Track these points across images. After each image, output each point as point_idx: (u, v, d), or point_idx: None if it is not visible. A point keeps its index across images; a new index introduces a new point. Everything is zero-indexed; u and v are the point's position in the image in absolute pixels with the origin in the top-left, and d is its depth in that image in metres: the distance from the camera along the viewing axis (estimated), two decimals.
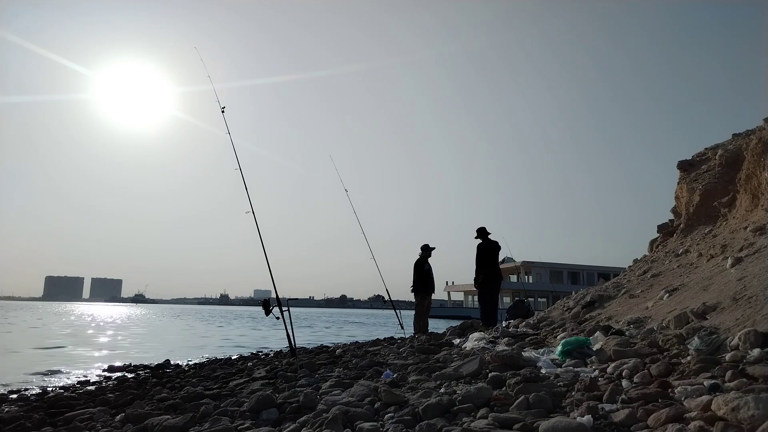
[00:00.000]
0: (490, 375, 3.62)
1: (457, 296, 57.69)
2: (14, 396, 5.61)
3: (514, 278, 48.34)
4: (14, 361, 9.38)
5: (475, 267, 8.73)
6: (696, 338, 3.49)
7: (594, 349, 4.15)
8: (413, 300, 9.93)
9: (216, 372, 6.40)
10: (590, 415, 2.44)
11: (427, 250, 9.74)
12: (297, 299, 8.96)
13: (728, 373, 2.75)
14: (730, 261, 5.50)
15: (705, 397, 2.37)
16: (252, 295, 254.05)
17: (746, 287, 4.32)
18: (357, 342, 9.57)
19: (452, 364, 4.24)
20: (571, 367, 3.79)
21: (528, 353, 4.43)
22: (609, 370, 3.41)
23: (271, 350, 9.85)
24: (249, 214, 7.03)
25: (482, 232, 8.85)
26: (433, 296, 10.20)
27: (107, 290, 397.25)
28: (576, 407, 2.66)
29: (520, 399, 2.83)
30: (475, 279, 8.79)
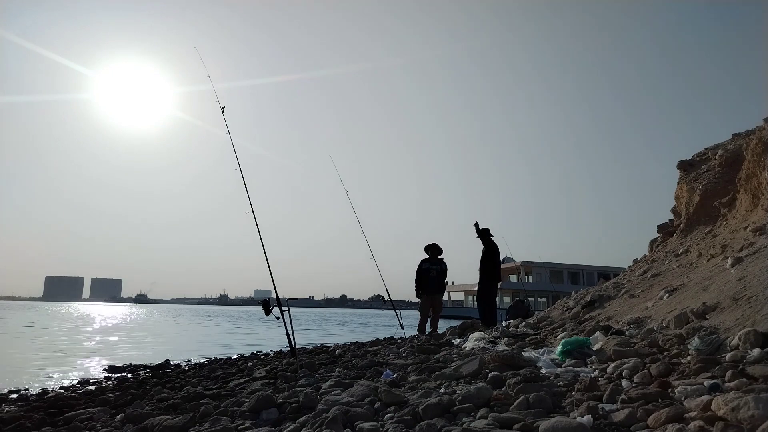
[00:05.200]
0: (490, 375, 3.62)
1: (457, 296, 57.67)
2: (14, 396, 5.61)
3: (514, 278, 48.29)
4: (14, 362, 9.37)
5: (484, 262, 8.83)
6: (696, 338, 3.49)
7: (594, 349, 4.15)
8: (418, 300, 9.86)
9: (216, 372, 6.40)
10: (590, 415, 2.44)
11: (427, 250, 9.68)
12: (297, 299, 8.94)
13: (728, 373, 2.74)
14: (730, 261, 5.50)
15: (705, 397, 2.37)
16: (252, 295, 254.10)
17: (746, 287, 4.32)
18: (357, 342, 9.57)
19: (452, 364, 4.24)
20: (571, 367, 3.79)
21: (528, 353, 4.43)
22: (609, 370, 3.40)
23: (271, 350, 9.85)
24: (249, 214, 7.03)
25: (487, 232, 8.93)
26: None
27: (107, 290, 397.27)
28: (576, 407, 2.66)
29: (520, 399, 2.82)
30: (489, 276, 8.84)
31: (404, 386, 3.79)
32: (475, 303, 9.48)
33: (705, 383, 2.66)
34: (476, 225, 9.07)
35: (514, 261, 38.62)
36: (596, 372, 3.52)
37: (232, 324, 26.69)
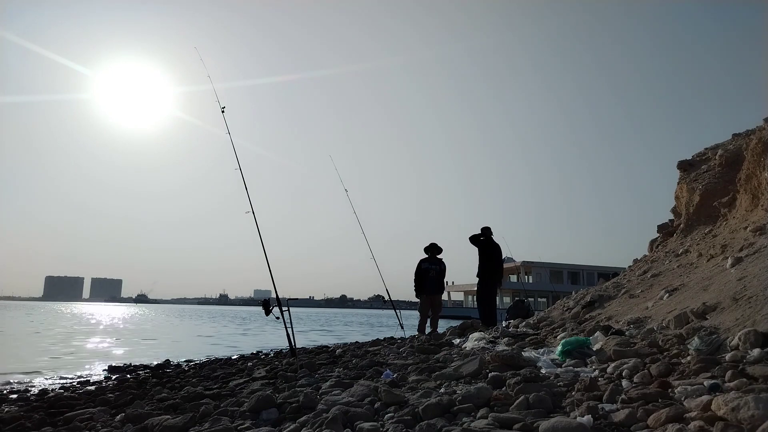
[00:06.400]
0: (490, 375, 3.62)
1: (457, 296, 57.68)
2: (14, 396, 5.61)
3: (514, 278, 48.32)
4: (14, 362, 9.37)
5: (484, 262, 8.79)
6: (696, 338, 3.49)
7: (594, 349, 4.15)
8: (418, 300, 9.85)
9: (216, 372, 6.40)
10: (590, 415, 2.44)
11: (427, 250, 9.68)
12: (297, 299, 8.93)
13: (728, 373, 2.74)
14: (730, 261, 5.50)
15: (705, 397, 2.37)
16: (252, 295, 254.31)
17: (746, 287, 4.32)
18: (357, 342, 9.57)
19: (452, 364, 4.24)
20: (571, 367, 3.79)
21: (528, 353, 4.43)
22: (609, 370, 3.40)
23: (271, 350, 9.85)
24: (249, 214, 7.04)
25: (488, 232, 8.90)
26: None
27: (107, 290, 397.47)
28: (576, 407, 2.66)
29: (520, 399, 2.82)
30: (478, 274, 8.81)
31: (404, 386, 3.79)
32: (475, 303, 9.47)
33: (705, 383, 2.66)
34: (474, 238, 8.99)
35: (514, 261, 38.65)
36: (596, 372, 3.52)
37: (232, 324, 26.67)
